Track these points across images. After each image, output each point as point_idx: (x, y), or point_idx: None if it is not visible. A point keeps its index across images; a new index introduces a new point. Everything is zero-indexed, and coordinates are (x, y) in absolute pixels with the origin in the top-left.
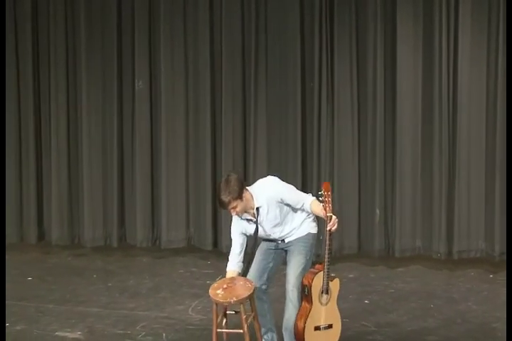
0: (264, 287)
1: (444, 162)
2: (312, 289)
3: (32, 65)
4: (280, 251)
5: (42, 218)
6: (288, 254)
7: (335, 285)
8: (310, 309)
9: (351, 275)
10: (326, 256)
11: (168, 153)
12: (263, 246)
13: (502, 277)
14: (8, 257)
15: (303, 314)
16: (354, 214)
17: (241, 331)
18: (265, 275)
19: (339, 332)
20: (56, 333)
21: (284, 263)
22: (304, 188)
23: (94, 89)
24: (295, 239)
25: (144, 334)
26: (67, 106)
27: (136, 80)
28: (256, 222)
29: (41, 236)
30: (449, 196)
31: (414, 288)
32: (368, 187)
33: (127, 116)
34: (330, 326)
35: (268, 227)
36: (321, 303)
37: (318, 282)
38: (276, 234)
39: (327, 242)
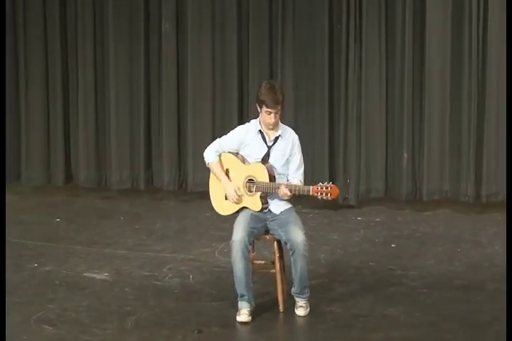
0: (249, 248)
1: (473, 104)
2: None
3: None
4: (264, 223)
5: (69, 160)
6: (278, 223)
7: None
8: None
9: (378, 219)
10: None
11: (194, 96)
12: (247, 212)
13: None
14: (36, 199)
15: None
16: (382, 158)
17: (272, 270)
18: (251, 238)
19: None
20: (84, 274)
21: (265, 233)
22: (331, 132)
23: (121, 32)
24: (281, 212)
25: (170, 276)
26: (93, 50)
27: (163, 22)
28: (269, 147)
29: (68, 178)
30: (478, 139)
31: (441, 231)
32: (396, 131)
33: (154, 58)
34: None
35: (278, 165)
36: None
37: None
38: (282, 178)
39: (289, 193)
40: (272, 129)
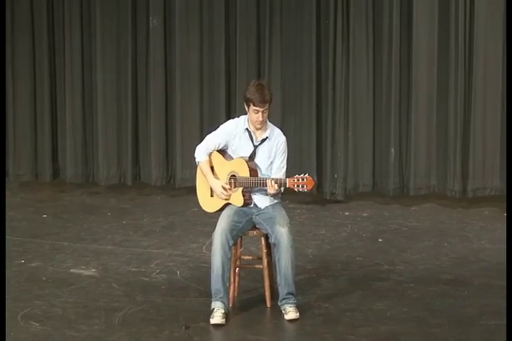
0: (230, 243)
1: (460, 100)
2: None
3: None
4: (250, 217)
5: (57, 156)
6: (263, 217)
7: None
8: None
9: (365, 214)
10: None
11: (182, 91)
12: (232, 207)
13: None
14: (24, 195)
15: None
16: (369, 153)
17: (260, 266)
18: (234, 232)
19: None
20: (71, 270)
21: (250, 229)
22: (319, 128)
23: (108, 28)
24: (266, 206)
25: (158, 271)
26: (81, 45)
27: (150, 18)
28: (255, 146)
29: (56, 174)
30: (464, 134)
31: (428, 226)
32: (383, 126)
33: (141, 54)
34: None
35: (263, 165)
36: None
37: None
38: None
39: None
40: (260, 129)
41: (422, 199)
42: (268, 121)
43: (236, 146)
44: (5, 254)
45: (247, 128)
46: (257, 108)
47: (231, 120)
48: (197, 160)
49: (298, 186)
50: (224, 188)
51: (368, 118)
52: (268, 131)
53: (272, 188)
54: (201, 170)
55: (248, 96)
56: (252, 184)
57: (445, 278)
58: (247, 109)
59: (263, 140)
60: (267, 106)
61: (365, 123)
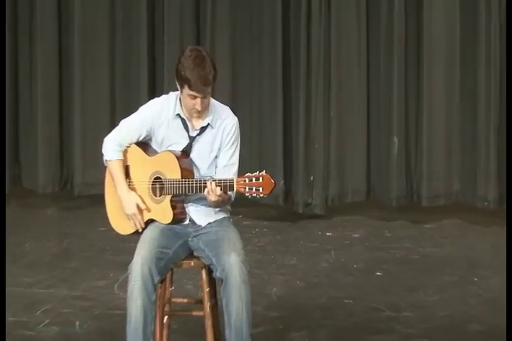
0: (156, 279)
1: (494, 68)
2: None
3: None
4: (185, 240)
5: None
6: (205, 240)
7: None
8: None
9: (356, 235)
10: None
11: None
12: (158, 225)
13: None
14: None
15: None
16: (361, 145)
17: (199, 313)
18: (161, 263)
19: None
20: None
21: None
22: (287, 109)
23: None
24: (209, 223)
25: (47, 322)
26: (58, 46)
27: None
28: (191, 138)
29: None
30: (500, 118)
31: (450, 253)
32: (382, 106)
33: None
34: None
35: (203, 164)
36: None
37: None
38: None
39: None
40: (198, 117)
41: (439, 212)
42: (211, 99)
43: (163, 137)
44: (5, 256)
45: (178, 114)
46: (194, 93)
47: (155, 100)
48: (105, 157)
49: (250, 189)
50: (139, 209)
51: (360, 94)
52: (210, 116)
53: (213, 194)
54: (111, 172)
55: (182, 73)
56: (186, 189)
57: (474, 329)
58: (180, 90)
59: (203, 128)
60: (209, 89)
61: (355, 101)
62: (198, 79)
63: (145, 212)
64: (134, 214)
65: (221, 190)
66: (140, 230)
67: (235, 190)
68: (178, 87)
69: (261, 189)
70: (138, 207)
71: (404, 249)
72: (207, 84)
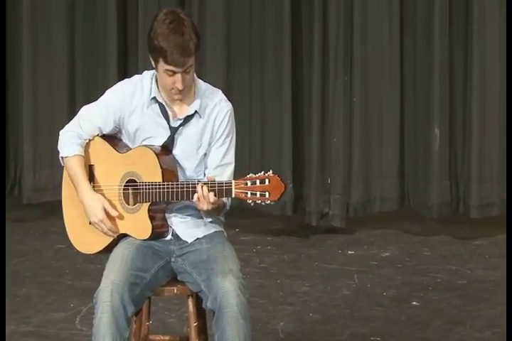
0: (129, 310)
1: None
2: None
3: None
4: (167, 261)
5: None
6: (191, 261)
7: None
8: None
9: (386, 254)
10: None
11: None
12: (131, 241)
13: None
14: None
15: None
16: (392, 139)
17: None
18: (136, 290)
19: None
20: None
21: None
22: (296, 89)
23: None
24: (198, 239)
25: None
26: None
27: None
28: (173, 130)
29: None
30: None
31: (505, 276)
32: (419, 90)
33: None
34: None
35: (189, 163)
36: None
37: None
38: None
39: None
40: (180, 99)
41: (492, 225)
42: (198, 80)
43: (137, 129)
44: (5, 254)
45: (155, 98)
46: (171, 67)
47: (125, 81)
48: (61, 154)
49: (253, 194)
50: (107, 214)
51: (389, 69)
52: (198, 101)
53: (204, 201)
54: (69, 173)
55: (155, 43)
56: (169, 196)
57: None
58: (154, 65)
59: (188, 117)
60: (190, 62)
61: (384, 79)
62: (175, 49)
63: (116, 224)
64: (101, 221)
65: (215, 195)
66: (115, 236)
67: (233, 195)
68: (152, 61)
69: (267, 194)
70: (106, 212)
71: (448, 271)
72: (187, 55)
